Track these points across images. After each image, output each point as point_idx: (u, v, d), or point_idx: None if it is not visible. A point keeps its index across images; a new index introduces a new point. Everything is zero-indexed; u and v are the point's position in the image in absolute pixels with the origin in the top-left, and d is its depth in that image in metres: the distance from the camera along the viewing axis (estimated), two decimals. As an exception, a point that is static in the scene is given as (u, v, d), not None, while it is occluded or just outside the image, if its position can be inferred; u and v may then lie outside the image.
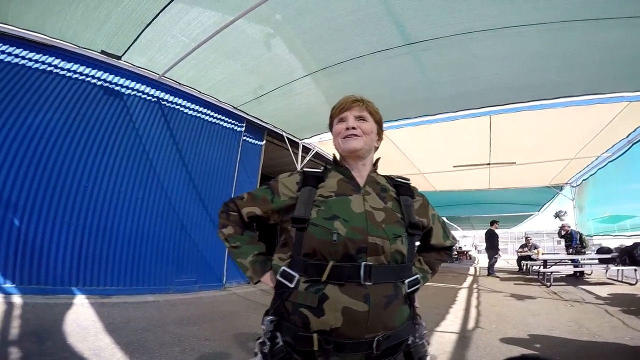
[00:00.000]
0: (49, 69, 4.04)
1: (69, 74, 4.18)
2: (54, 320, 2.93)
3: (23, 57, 3.88)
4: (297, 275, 0.92)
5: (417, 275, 1.03)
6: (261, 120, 6.23)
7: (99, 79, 4.41)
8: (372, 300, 0.87)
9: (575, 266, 8.32)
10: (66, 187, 3.95)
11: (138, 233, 4.50)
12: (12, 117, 3.66)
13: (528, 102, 5.09)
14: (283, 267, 0.96)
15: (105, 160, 4.31)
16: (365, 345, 0.86)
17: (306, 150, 7.41)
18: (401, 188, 1.12)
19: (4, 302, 3.15)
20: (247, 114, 5.97)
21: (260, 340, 0.91)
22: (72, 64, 4.21)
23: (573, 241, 8.62)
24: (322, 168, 1.13)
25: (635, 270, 6.88)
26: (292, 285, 0.92)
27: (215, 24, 3.64)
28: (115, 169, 4.39)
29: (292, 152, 6.96)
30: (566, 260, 8.60)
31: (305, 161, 7.32)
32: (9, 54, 3.78)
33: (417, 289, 1.02)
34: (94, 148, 4.23)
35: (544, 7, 3.05)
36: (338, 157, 1.16)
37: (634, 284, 6.90)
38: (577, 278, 8.26)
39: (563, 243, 8.79)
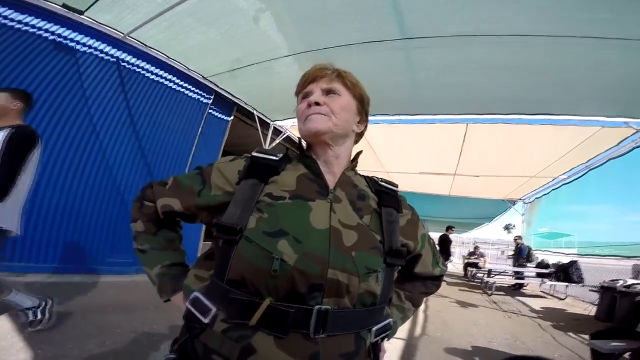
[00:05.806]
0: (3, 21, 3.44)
1: (19, 26, 3.54)
2: None
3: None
4: (213, 309, 0.62)
5: (389, 320, 0.76)
6: (232, 94, 5.69)
7: (52, 33, 3.75)
8: None
9: (517, 278, 8.81)
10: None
11: (67, 204, 3.82)
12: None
13: (507, 114, 5.07)
14: (196, 293, 0.66)
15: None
16: None
17: (277, 132, 6.97)
18: (385, 196, 0.81)
19: None
20: (217, 86, 5.41)
21: None
22: (25, 15, 3.58)
23: (522, 253, 9.07)
24: (280, 155, 0.78)
25: (567, 286, 7.54)
26: (205, 321, 0.62)
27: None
28: (48, 130, 3.66)
29: (262, 132, 6.46)
30: (508, 272, 9.09)
31: (274, 143, 6.90)
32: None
33: (386, 336, 0.75)
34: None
35: (557, 18, 2.87)
36: (305, 145, 0.82)
37: (564, 299, 7.61)
38: (515, 289, 8.82)
39: (507, 254, 9.25)
